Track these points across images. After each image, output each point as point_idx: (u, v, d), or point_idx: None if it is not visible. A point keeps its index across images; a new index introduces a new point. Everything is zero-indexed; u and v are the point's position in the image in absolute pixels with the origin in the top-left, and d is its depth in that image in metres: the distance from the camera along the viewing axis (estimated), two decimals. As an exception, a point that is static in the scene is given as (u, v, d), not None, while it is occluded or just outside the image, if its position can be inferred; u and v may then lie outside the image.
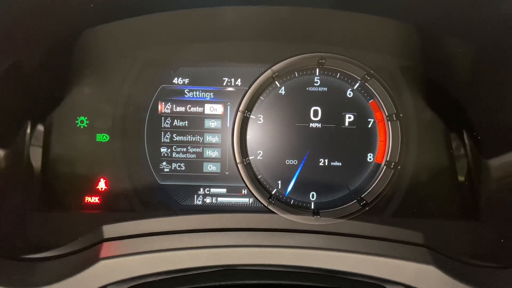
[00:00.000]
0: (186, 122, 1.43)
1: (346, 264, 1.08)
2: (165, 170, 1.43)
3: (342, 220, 1.37)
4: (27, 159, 1.32)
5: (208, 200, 1.44)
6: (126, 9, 1.17)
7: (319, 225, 1.35)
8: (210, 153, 1.43)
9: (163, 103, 1.42)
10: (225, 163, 1.44)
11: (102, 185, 1.40)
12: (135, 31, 1.33)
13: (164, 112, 1.42)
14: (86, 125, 1.40)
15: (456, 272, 1.05)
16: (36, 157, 1.34)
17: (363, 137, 1.43)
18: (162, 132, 1.42)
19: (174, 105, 1.43)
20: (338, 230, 1.32)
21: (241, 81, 1.43)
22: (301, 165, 1.43)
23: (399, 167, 1.41)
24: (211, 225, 1.33)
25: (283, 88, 1.43)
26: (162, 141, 1.42)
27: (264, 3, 1.22)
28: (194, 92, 1.43)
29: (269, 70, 1.41)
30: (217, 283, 1.08)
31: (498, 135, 1.25)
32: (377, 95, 1.42)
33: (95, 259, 1.04)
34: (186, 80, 1.43)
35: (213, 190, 1.44)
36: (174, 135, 1.43)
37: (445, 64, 1.34)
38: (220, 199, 1.44)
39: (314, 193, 1.44)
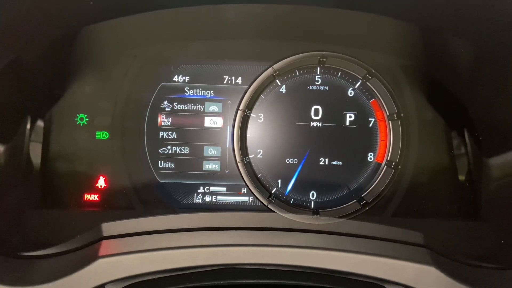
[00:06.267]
0: (186, 120, 1.42)
1: (346, 264, 1.08)
2: (165, 168, 1.42)
3: (342, 220, 1.37)
4: (26, 155, 1.31)
5: (207, 198, 1.44)
6: (126, 6, 1.16)
7: (319, 224, 1.35)
8: (210, 151, 1.43)
9: (163, 100, 1.42)
10: (225, 162, 1.43)
11: (101, 182, 1.40)
12: (136, 29, 1.33)
13: (164, 110, 1.42)
14: (85, 123, 1.39)
15: (456, 272, 1.05)
16: (35, 153, 1.34)
17: (364, 137, 1.42)
18: (162, 130, 1.42)
19: (174, 103, 1.42)
20: (338, 229, 1.31)
21: (241, 79, 1.42)
22: (301, 164, 1.42)
23: (399, 166, 1.41)
24: (211, 224, 1.33)
25: (283, 86, 1.42)
26: (162, 139, 1.42)
27: (266, 1, 1.22)
28: (195, 90, 1.43)
29: (270, 69, 1.40)
30: (216, 282, 1.08)
31: (499, 134, 1.24)
32: (378, 95, 1.41)
33: (94, 257, 1.04)
34: (187, 78, 1.42)
35: (212, 188, 1.44)
36: (174, 133, 1.42)
37: (446, 63, 1.34)
38: (219, 198, 1.44)
39: (314, 192, 1.43)
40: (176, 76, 1.42)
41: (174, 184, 1.43)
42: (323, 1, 1.21)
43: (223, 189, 1.44)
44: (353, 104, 1.42)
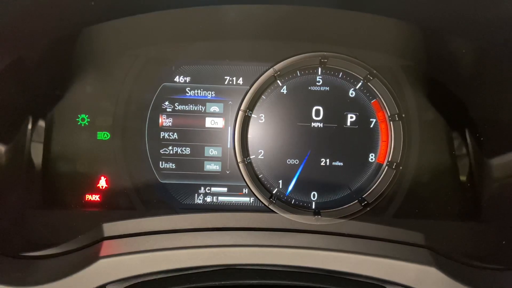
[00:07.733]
0: (187, 120, 1.43)
1: (347, 264, 1.08)
2: (166, 168, 1.42)
3: (343, 220, 1.37)
4: (28, 156, 1.32)
5: (208, 199, 1.44)
6: (127, 7, 1.16)
7: (320, 225, 1.35)
8: (211, 152, 1.43)
9: (164, 101, 1.42)
10: (226, 162, 1.43)
11: (102, 183, 1.40)
12: (137, 29, 1.33)
13: (165, 111, 1.42)
14: (87, 123, 1.39)
15: (457, 273, 1.05)
16: (37, 154, 1.34)
17: (365, 137, 1.42)
18: (163, 131, 1.42)
19: (175, 104, 1.42)
20: (339, 230, 1.31)
21: (242, 80, 1.42)
22: (302, 164, 1.42)
23: (400, 167, 1.40)
24: (212, 224, 1.33)
25: (285, 87, 1.42)
26: (163, 139, 1.42)
27: (267, 1, 1.22)
28: (196, 91, 1.43)
29: (271, 69, 1.40)
30: (217, 283, 1.08)
31: (500, 135, 1.24)
32: (379, 95, 1.41)
33: (95, 257, 1.04)
34: (188, 79, 1.42)
35: (213, 189, 1.44)
36: (175, 133, 1.42)
37: (447, 64, 1.34)
38: (220, 198, 1.44)
39: (315, 193, 1.43)
40: (177, 77, 1.42)
41: (175, 184, 1.43)
42: (324, 1, 1.21)
43: (224, 189, 1.44)
44: (354, 105, 1.42)
